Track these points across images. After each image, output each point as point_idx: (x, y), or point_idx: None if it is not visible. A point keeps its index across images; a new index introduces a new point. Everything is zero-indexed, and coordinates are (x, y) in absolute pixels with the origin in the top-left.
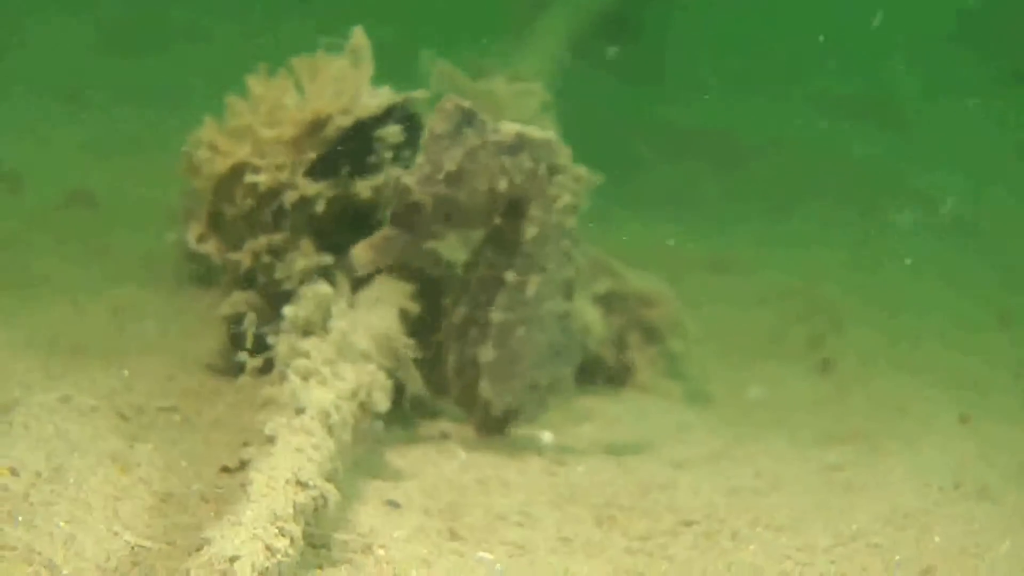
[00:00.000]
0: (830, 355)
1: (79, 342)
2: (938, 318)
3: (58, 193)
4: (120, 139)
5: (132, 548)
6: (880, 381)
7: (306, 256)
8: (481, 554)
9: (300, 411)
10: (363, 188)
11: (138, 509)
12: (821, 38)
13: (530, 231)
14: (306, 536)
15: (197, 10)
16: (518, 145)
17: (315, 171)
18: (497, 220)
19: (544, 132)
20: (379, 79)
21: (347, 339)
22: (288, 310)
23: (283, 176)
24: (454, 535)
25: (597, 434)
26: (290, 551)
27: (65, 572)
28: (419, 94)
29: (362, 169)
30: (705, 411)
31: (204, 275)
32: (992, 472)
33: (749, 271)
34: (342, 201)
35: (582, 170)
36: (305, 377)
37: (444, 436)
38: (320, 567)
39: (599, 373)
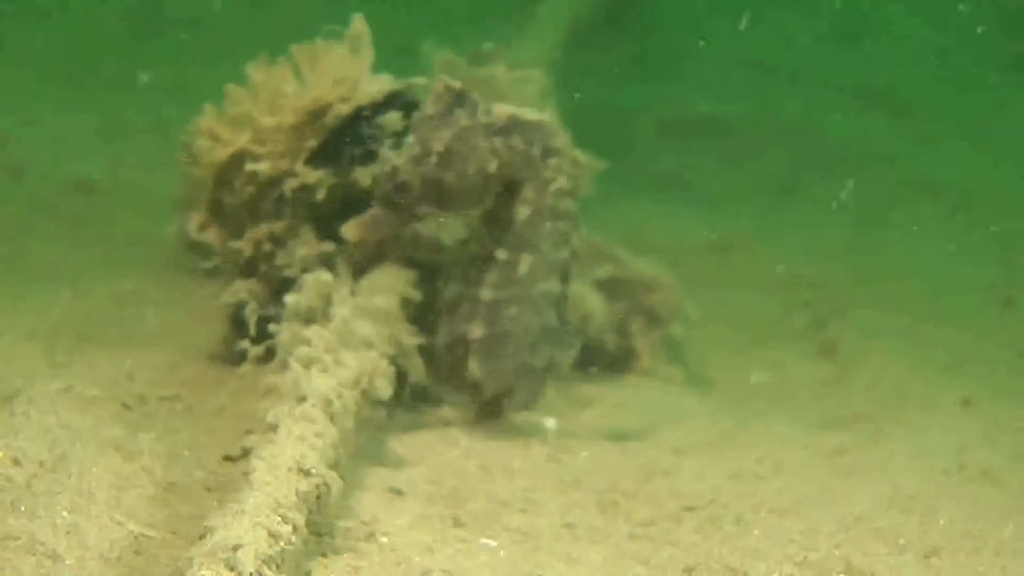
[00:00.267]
0: (832, 339)
1: (81, 331)
2: (941, 301)
3: (60, 181)
4: (123, 127)
5: (135, 537)
6: (882, 364)
7: (307, 244)
8: (484, 540)
9: (302, 399)
10: (364, 176)
11: (141, 498)
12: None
13: (523, 212)
14: (309, 524)
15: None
16: (511, 127)
17: (315, 159)
18: (489, 202)
19: (538, 114)
20: (379, 67)
21: (349, 327)
22: (289, 298)
23: (283, 164)
24: (457, 522)
25: (599, 420)
26: (293, 539)
27: (68, 562)
28: (420, 81)
29: (363, 157)
30: (707, 396)
31: (205, 264)
32: (996, 454)
33: (751, 255)
34: (343, 189)
35: (581, 154)
36: (307, 365)
37: (447, 423)
38: (323, 555)
39: (601, 359)
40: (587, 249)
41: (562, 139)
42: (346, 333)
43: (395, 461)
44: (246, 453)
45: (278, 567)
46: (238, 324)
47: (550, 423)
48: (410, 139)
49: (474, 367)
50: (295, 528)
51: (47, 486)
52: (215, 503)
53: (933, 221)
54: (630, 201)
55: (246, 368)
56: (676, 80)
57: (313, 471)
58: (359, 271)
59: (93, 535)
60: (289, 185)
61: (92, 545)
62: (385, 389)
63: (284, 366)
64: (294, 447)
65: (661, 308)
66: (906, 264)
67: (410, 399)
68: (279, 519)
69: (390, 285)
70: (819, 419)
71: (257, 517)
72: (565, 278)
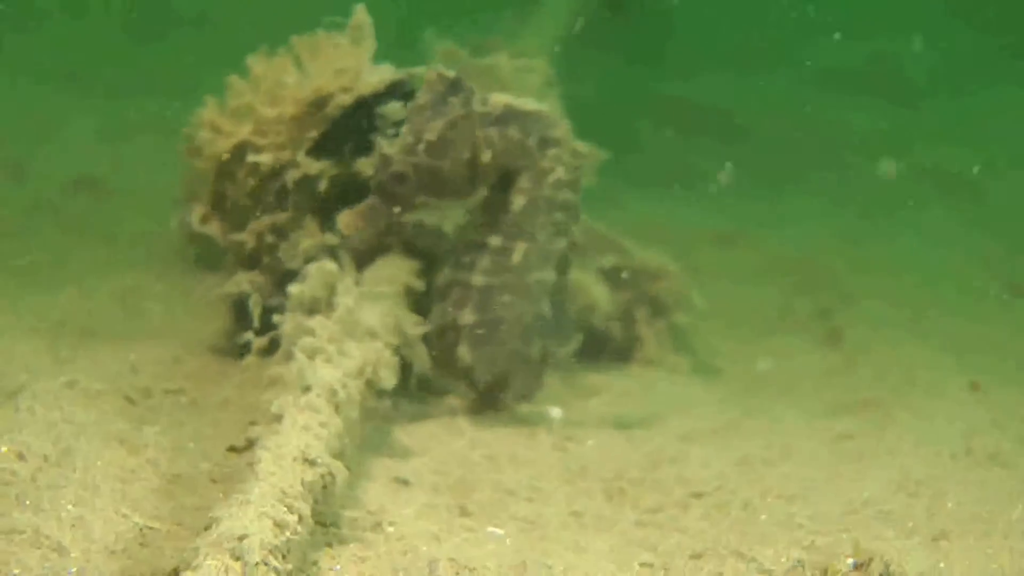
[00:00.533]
0: (838, 326)
1: (85, 326)
2: (946, 287)
3: (63, 179)
4: (125, 125)
5: (140, 529)
6: (888, 351)
7: (310, 235)
8: (491, 529)
9: (307, 389)
10: (365, 166)
11: (146, 491)
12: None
13: (518, 202)
14: (315, 514)
15: None
16: (507, 116)
17: (317, 149)
18: (484, 191)
19: (536, 104)
20: (381, 56)
21: (353, 317)
22: (294, 288)
23: (285, 155)
24: (464, 511)
25: (605, 408)
26: (299, 528)
27: (73, 554)
28: (421, 71)
29: (364, 147)
30: (713, 384)
31: (208, 257)
32: (1003, 438)
33: (756, 244)
34: (345, 179)
35: (582, 145)
36: (311, 355)
37: (452, 413)
38: (330, 545)
39: (606, 348)
40: (591, 238)
41: (562, 129)
42: (350, 323)
43: (401, 451)
44: (251, 444)
45: (284, 557)
46: (241, 317)
47: (555, 412)
48: (404, 129)
49: (464, 353)
50: (301, 518)
51: (52, 480)
52: (220, 495)
53: (936, 208)
54: (633, 192)
55: (250, 360)
56: (682, 73)
57: (318, 461)
58: (362, 261)
59: (98, 528)
60: (291, 176)
61: (97, 538)
62: (389, 379)
63: (288, 356)
64: (299, 437)
65: (666, 297)
66: (910, 252)
67: (415, 389)
68: (285, 509)
69: (394, 275)
70: (826, 406)
71: (263, 507)
72: (563, 269)
